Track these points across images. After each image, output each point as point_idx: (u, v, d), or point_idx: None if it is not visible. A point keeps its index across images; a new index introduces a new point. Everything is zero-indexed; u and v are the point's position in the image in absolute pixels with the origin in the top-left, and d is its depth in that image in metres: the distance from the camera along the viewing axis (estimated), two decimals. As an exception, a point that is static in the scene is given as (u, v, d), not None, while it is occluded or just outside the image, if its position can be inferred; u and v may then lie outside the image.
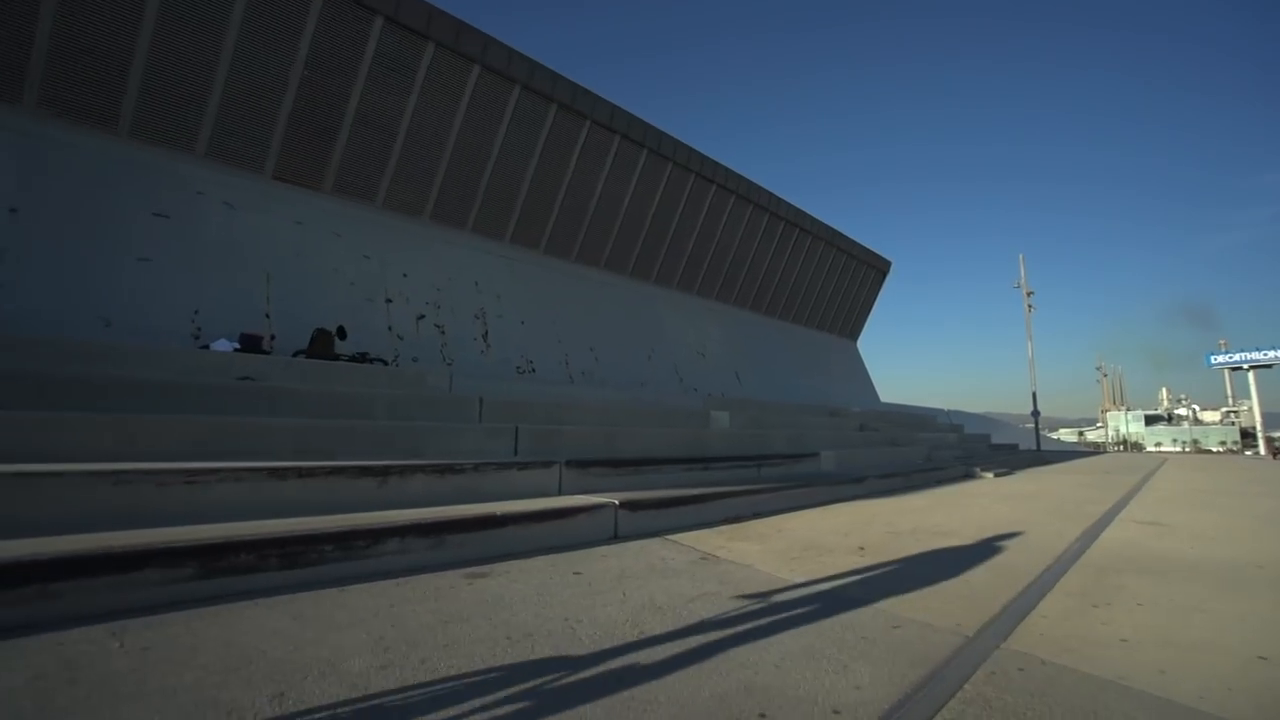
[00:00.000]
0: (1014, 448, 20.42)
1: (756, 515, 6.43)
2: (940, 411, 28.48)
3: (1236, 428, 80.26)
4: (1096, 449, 66.91)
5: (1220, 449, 73.68)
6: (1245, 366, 56.64)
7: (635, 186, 14.24)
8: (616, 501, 5.15)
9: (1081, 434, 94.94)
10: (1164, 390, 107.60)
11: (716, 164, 15.77)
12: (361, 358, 8.56)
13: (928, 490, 9.11)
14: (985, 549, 4.74)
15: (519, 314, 11.96)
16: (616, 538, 5.01)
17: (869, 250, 22.29)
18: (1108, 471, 13.98)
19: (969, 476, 12.00)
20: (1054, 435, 70.79)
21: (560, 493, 5.64)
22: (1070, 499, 8.39)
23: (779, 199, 18.17)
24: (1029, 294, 32.41)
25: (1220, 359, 60.39)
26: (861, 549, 4.67)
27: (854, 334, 22.83)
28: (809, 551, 4.54)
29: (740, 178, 16.68)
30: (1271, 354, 54.30)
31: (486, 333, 11.40)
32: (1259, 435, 53.41)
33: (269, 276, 8.95)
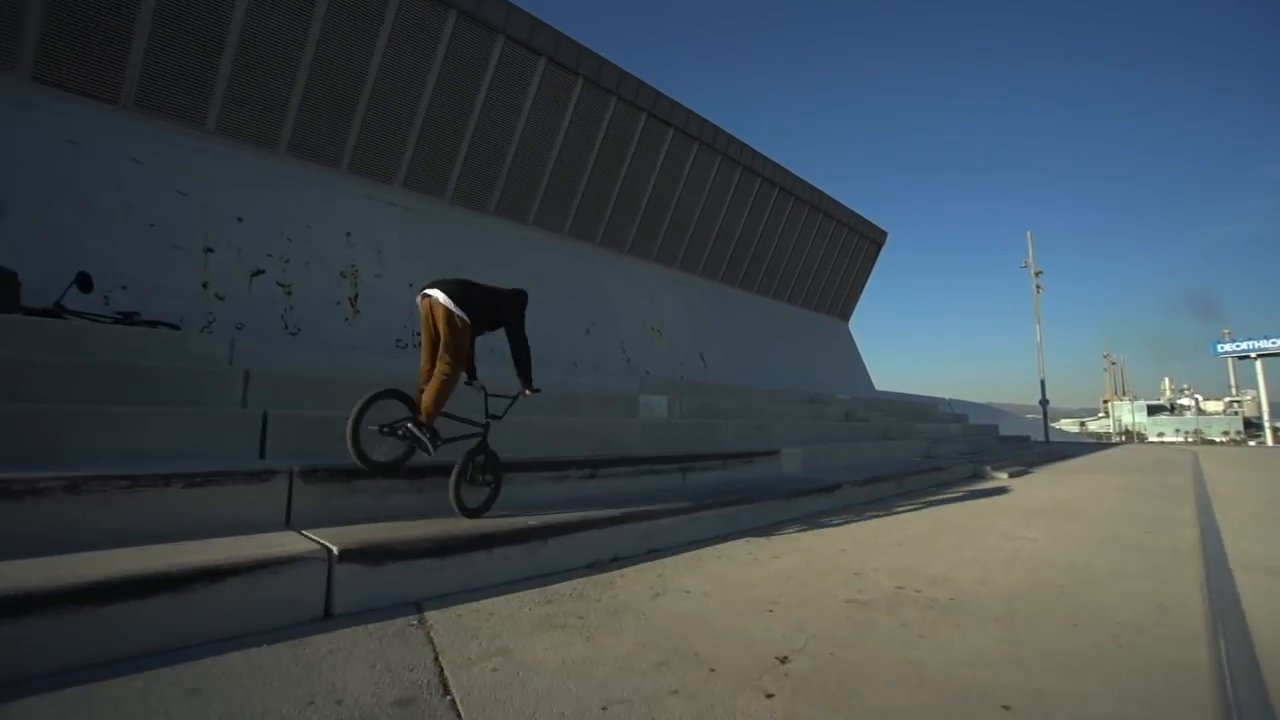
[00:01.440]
0: (1025, 440, 17.94)
1: (650, 554, 3.94)
2: (941, 401, 25.99)
3: (1240, 417, 78.26)
4: (1100, 440, 64.53)
5: (1223, 439, 71.52)
6: (1253, 355, 54.30)
7: (571, 126, 11.65)
8: (333, 550, 2.67)
9: (1083, 424, 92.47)
10: (1166, 380, 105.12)
11: (675, 104, 13.16)
12: (127, 318, 6.03)
13: (926, 502, 6.61)
14: (1036, 660, 2.23)
15: (408, 275, 9.39)
16: (329, 616, 2.55)
17: (862, 218, 19.70)
18: (1143, 469, 11.48)
19: (978, 478, 9.51)
20: (1056, 425, 68.02)
21: (288, 525, 3.14)
22: (1127, 516, 5.89)
23: (756, 153, 15.60)
24: (1037, 273, 29.81)
25: (1228, 348, 58.00)
26: (784, 663, 2.18)
27: (845, 313, 20.31)
28: (667, 672, 2.06)
29: (706, 123, 14.07)
30: (1277, 341, 52.06)
31: (356, 296, 8.85)
32: (1266, 424, 50.97)
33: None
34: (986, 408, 36.42)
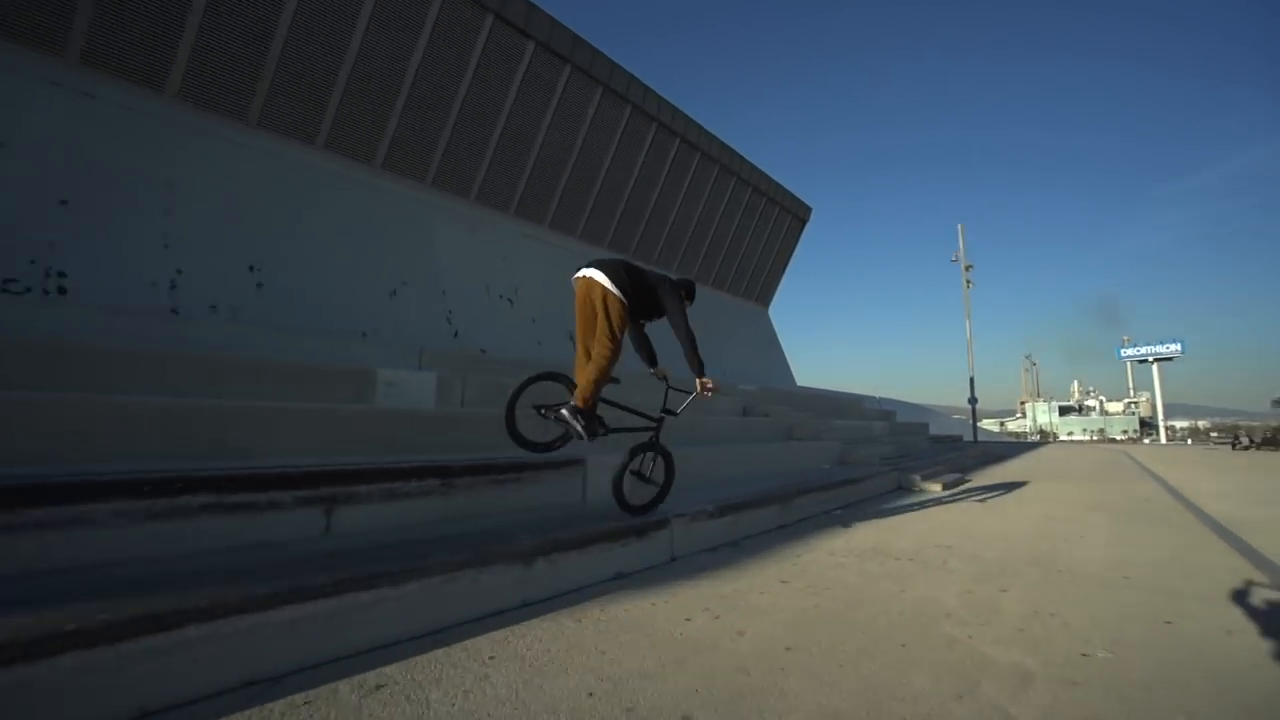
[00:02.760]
0: (957, 440, 15.97)
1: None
2: (868, 398, 24.12)
3: (1136, 418, 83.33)
4: (1022, 439, 66.37)
5: (1122, 437, 75.54)
6: (1150, 360, 57.05)
7: (372, 18, 8.43)
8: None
9: (1003, 424, 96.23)
10: (1076, 383, 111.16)
11: (532, 5, 10.12)
12: None
13: (810, 549, 3.82)
14: None
15: (62, 189, 5.98)
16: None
17: (785, 190, 17.30)
18: (1095, 476, 9.34)
19: (904, 491, 6.96)
20: (980, 425, 69.73)
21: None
22: (1149, 573, 3.29)
23: (654, 94, 12.82)
24: (968, 267, 28.65)
25: (1129, 352, 60.93)
26: None
27: (764, 298, 17.83)
28: None
29: (600, 57, 11.14)
30: (1173, 347, 55.06)
31: None
32: (1160, 424, 53.92)
33: None
34: (919, 408, 35.27)
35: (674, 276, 3.58)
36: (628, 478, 3.32)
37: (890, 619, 2.52)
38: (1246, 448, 18.29)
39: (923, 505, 5.88)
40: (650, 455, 3.42)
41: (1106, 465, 11.52)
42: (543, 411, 3.21)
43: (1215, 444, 24.08)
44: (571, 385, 3.32)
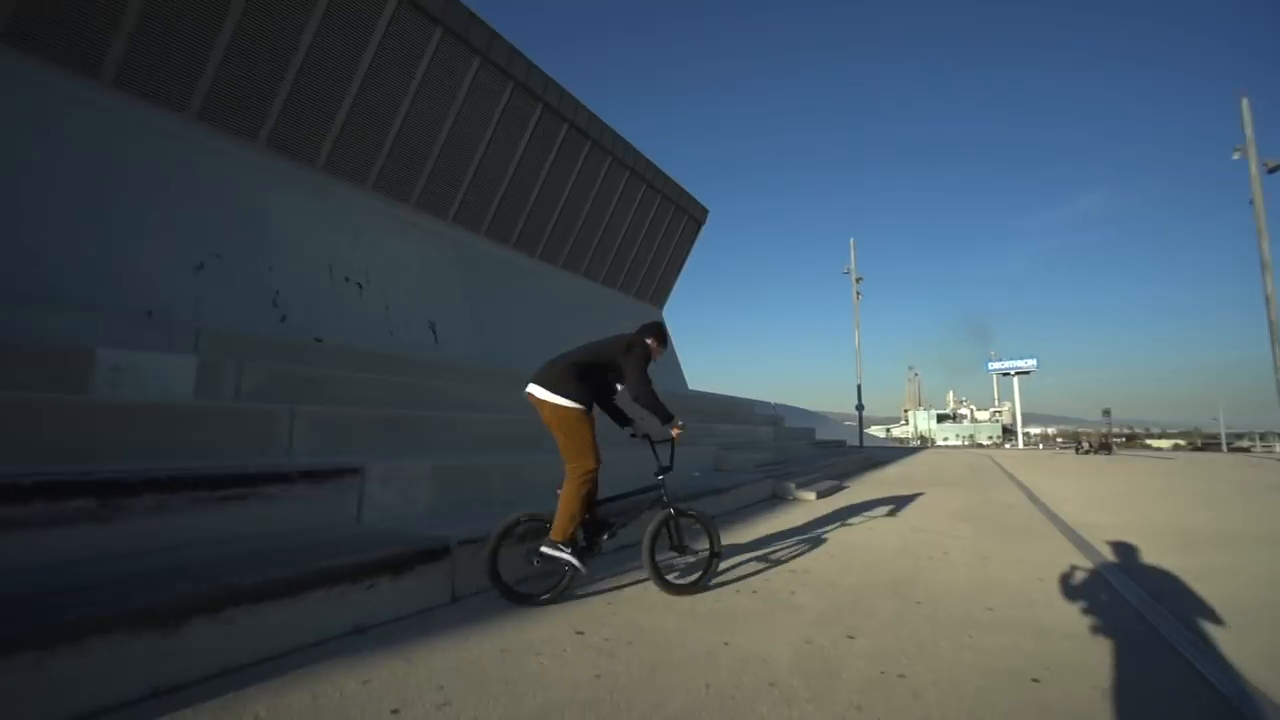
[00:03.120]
0: (840, 445, 16.22)
1: None
2: (760, 403, 24.41)
3: (1000, 425, 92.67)
4: (904, 445, 71.40)
5: (988, 442, 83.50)
6: (1011, 373, 63.54)
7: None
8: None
9: (889, 430, 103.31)
10: (951, 393, 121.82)
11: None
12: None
13: (636, 579, 3.08)
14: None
15: None
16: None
17: (684, 191, 16.93)
18: (964, 481, 9.51)
19: (777, 500, 6.51)
20: (868, 431, 74.38)
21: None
22: (1004, 608, 2.80)
23: (541, 72, 11.91)
24: (858, 280, 30.01)
25: (995, 366, 67.52)
26: None
27: (658, 299, 17.35)
28: None
29: (457, 5, 10.02)
30: (1030, 362, 61.63)
31: None
32: (1019, 430, 60.44)
33: None
34: (811, 414, 36.60)
35: (628, 336, 3.12)
36: (656, 550, 2.91)
37: (693, 697, 1.80)
38: (1086, 452, 20.15)
39: (790, 517, 5.39)
40: (674, 521, 3.06)
41: (974, 470, 11.96)
42: (535, 560, 2.74)
43: (1061, 449, 26.77)
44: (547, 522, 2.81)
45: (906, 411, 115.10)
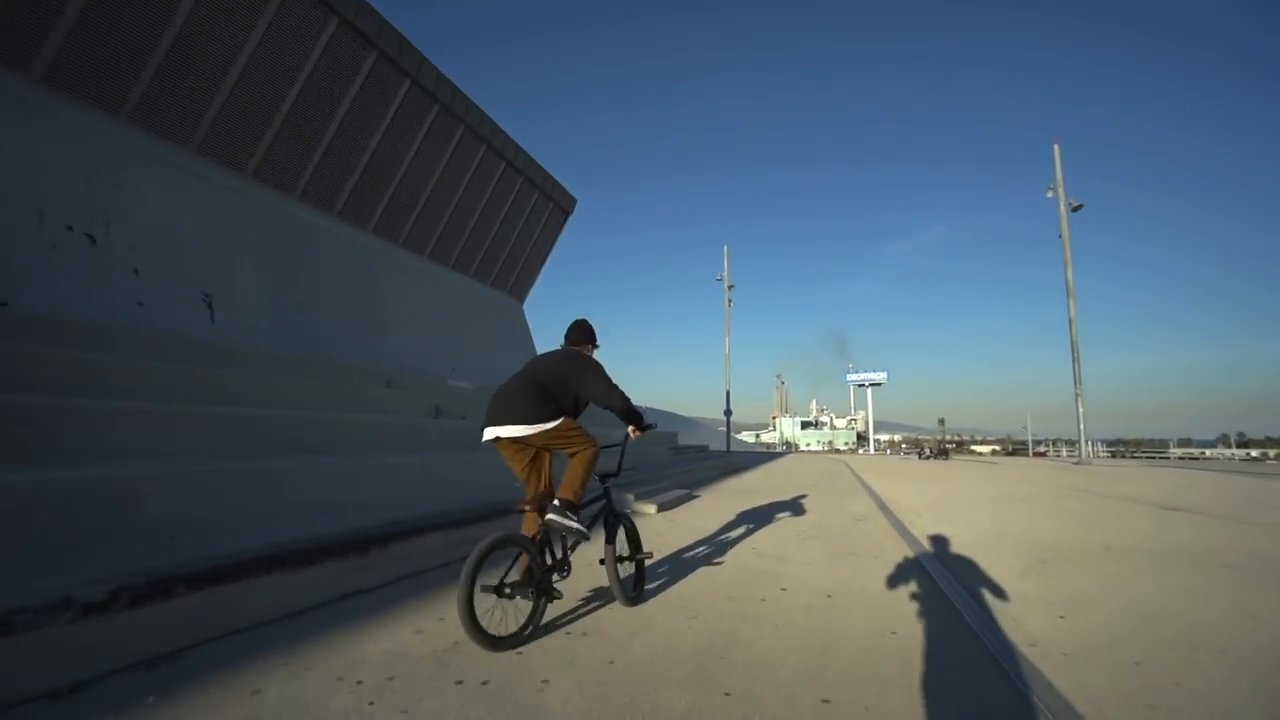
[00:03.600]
0: (703, 450, 15.85)
1: None
2: (633, 407, 23.77)
3: (855, 432, 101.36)
4: (770, 450, 75.26)
5: (845, 447, 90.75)
6: (866, 384, 69.63)
7: None
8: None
9: (758, 436, 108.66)
10: (814, 402, 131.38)
11: None
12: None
13: (317, 665, 1.73)
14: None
15: None
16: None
17: (552, 178, 15.72)
18: (819, 487, 9.25)
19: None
20: (738, 436, 77.76)
21: None
22: (841, 685, 2.00)
23: (428, 63, 10.22)
24: (730, 287, 30.57)
25: (852, 377, 73.62)
26: None
27: (519, 291, 15.95)
28: None
29: None
30: (881, 374, 67.77)
31: None
32: (871, 437, 66.46)
33: None
34: (684, 419, 36.81)
35: (571, 342, 3.04)
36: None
37: None
38: (928, 457, 21.74)
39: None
40: (626, 528, 2.95)
41: (829, 476, 11.99)
42: (505, 590, 2.29)
43: (905, 454, 29.08)
44: (529, 548, 2.43)
45: (774, 418, 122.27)
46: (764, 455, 22.86)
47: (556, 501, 2.55)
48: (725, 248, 30.87)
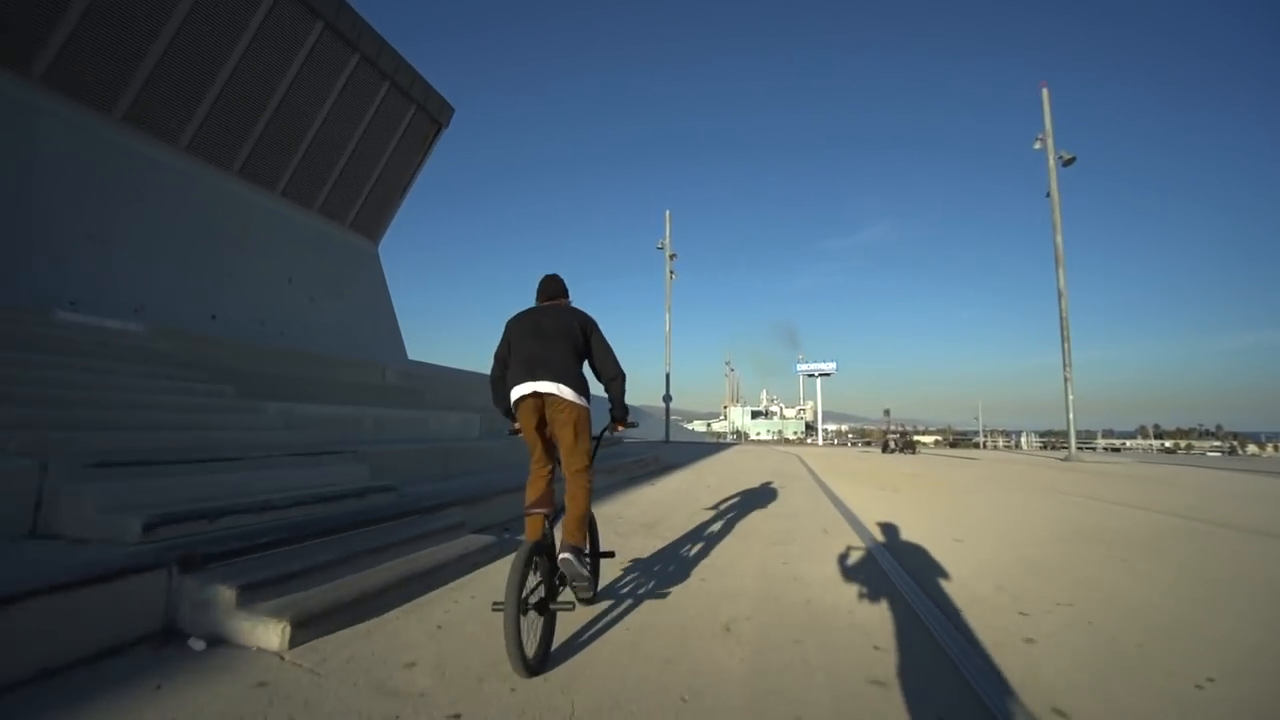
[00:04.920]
0: (618, 442, 12.21)
1: None
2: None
3: (804, 422, 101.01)
4: (720, 440, 73.04)
5: (794, 436, 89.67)
6: (815, 374, 68.38)
7: None
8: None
9: (709, 425, 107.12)
10: (764, 392, 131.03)
11: None
12: None
13: None
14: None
15: None
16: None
17: (418, 76, 11.56)
18: (765, 496, 5.77)
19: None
20: (689, 426, 75.60)
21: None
22: None
23: None
24: (672, 256, 27.02)
25: (802, 368, 72.31)
26: None
27: (372, 229, 11.69)
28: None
29: None
30: (830, 365, 66.64)
31: None
32: (819, 427, 65.56)
33: None
34: (632, 408, 32.97)
35: (561, 294, 2.73)
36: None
37: None
38: (893, 451, 18.84)
39: None
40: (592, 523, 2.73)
41: (781, 476, 8.69)
42: (530, 607, 1.98)
43: (863, 447, 26.03)
44: (547, 550, 2.21)
45: (725, 407, 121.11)
46: (707, 447, 19.46)
47: (570, 552, 2.19)
48: (667, 212, 27.32)
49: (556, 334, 2.45)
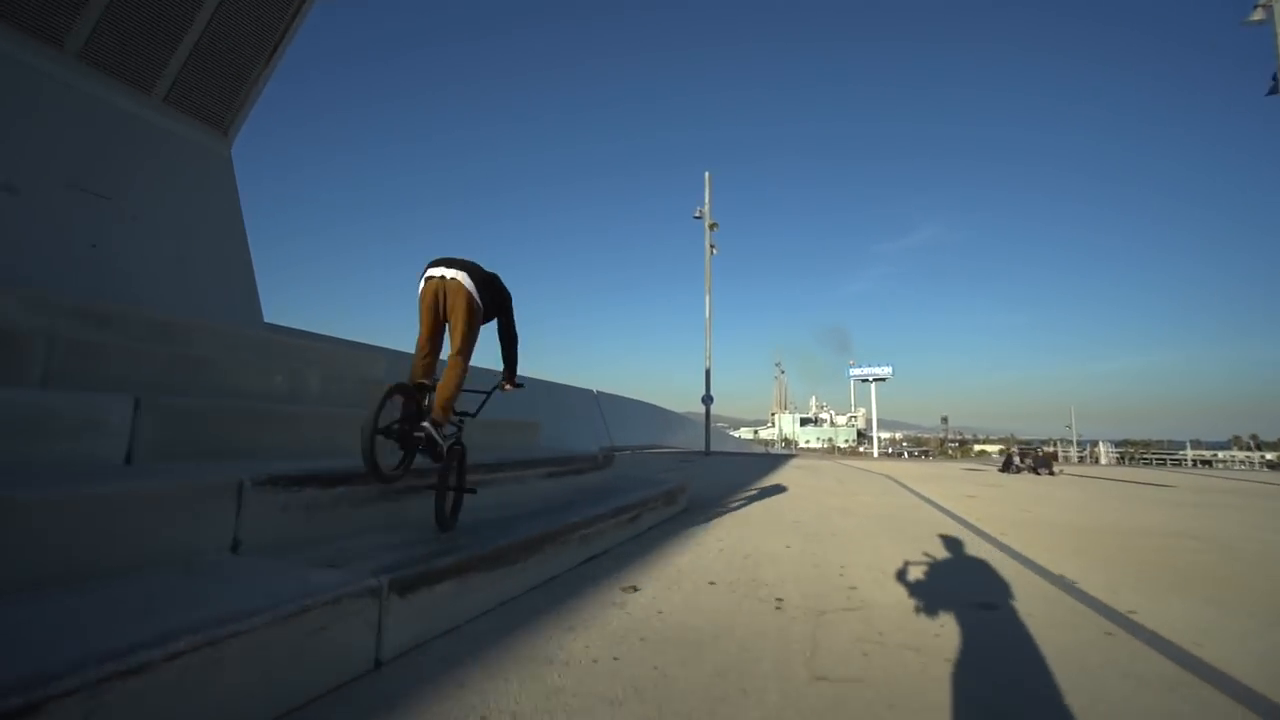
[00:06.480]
0: (596, 464, 7.52)
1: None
2: (575, 389, 15.56)
3: (855, 429, 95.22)
4: (769, 448, 67.67)
5: (845, 445, 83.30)
6: (870, 379, 63.21)
7: None
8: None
9: (756, 433, 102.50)
10: (814, 398, 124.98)
11: None
12: None
13: None
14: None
15: None
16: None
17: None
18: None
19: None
20: (735, 434, 71.10)
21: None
22: None
23: None
24: (712, 226, 22.23)
25: (855, 372, 66.98)
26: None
27: (219, 118, 7.15)
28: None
29: None
30: (886, 369, 61.35)
31: None
32: (874, 435, 59.93)
33: None
34: (670, 413, 28.34)
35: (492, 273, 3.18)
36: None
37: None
38: (1017, 470, 13.51)
39: None
40: (462, 461, 3.06)
41: (897, 525, 3.95)
42: (390, 432, 2.58)
43: (933, 459, 19.78)
44: (415, 399, 2.74)
45: (773, 415, 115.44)
46: (755, 462, 14.57)
47: (429, 419, 2.68)
48: (707, 174, 22.59)
49: (474, 263, 2.98)
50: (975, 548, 4.43)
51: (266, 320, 7.28)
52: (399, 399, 2.64)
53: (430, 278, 2.85)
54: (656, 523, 4.98)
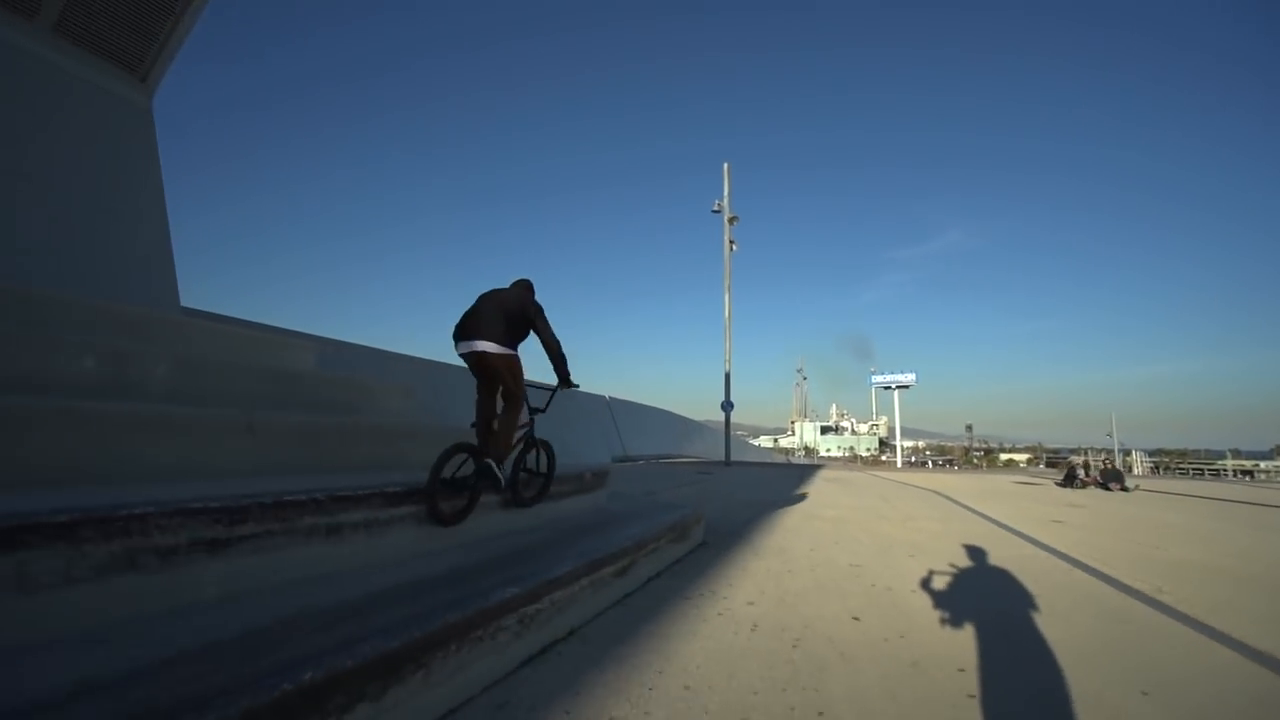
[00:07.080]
0: (596, 472, 6.07)
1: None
2: (585, 395, 14.05)
3: (877, 438, 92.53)
4: (789, 456, 65.41)
5: (866, 453, 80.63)
6: (893, 386, 61.09)
7: None
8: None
9: (776, 441, 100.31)
10: (834, 406, 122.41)
11: None
12: None
13: None
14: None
15: None
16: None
17: None
18: None
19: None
20: (755, 442, 68.99)
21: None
22: None
23: None
24: (732, 220, 20.78)
25: (877, 379, 64.89)
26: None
27: (136, 61, 5.93)
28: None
29: None
30: (910, 376, 59.06)
31: None
32: (898, 444, 57.76)
33: None
34: (686, 420, 26.83)
35: (519, 289, 3.41)
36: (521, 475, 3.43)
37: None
38: (1083, 486, 11.78)
39: None
40: (534, 451, 3.58)
41: (997, 572, 2.46)
42: (452, 480, 2.95)
43: (1028, 479, 17.43)
44: (475, 451, 3.06)
45: (793, 423, 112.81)
46: (779, 475, 13.04)
47: (495, 455, 3.06)
48: (725, 165, 21.14)
49: (498, 305, 3.18)
50: (1145, 620, 2.93)
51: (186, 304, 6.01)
52: (463, 456, 2.95)
53: (463, 355, 3.12)
54: (662, 569, 3.57)
